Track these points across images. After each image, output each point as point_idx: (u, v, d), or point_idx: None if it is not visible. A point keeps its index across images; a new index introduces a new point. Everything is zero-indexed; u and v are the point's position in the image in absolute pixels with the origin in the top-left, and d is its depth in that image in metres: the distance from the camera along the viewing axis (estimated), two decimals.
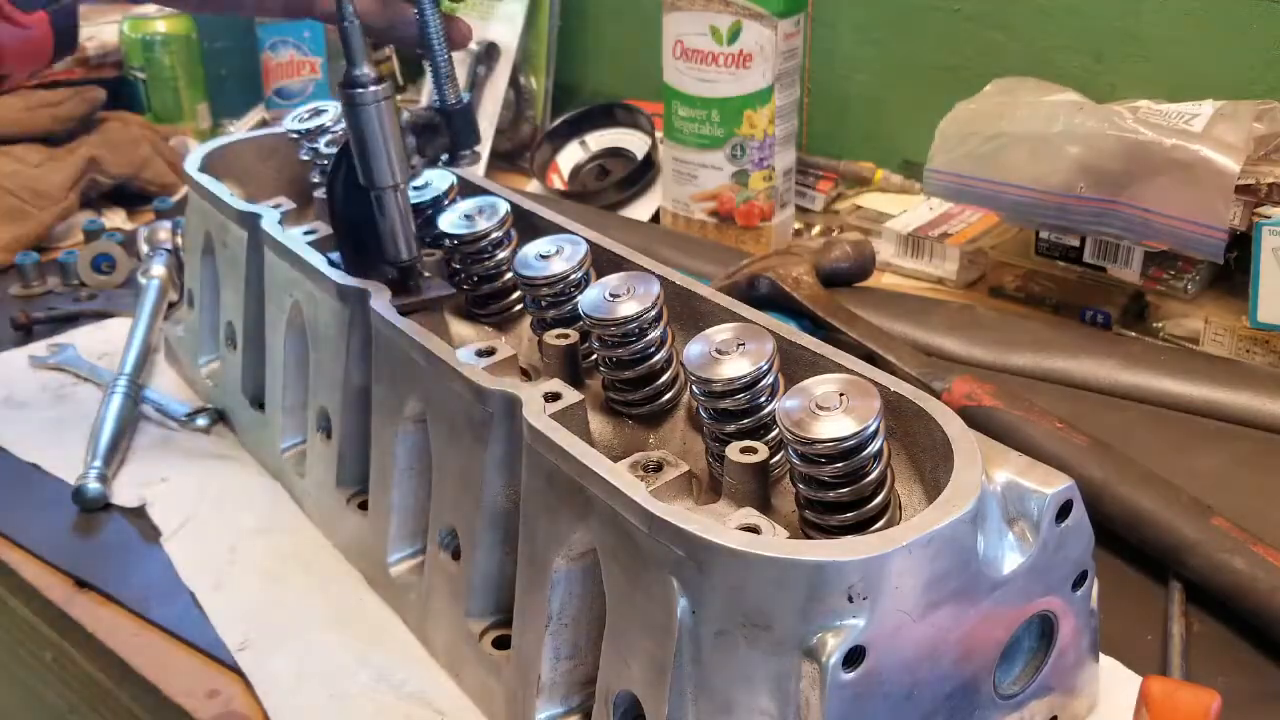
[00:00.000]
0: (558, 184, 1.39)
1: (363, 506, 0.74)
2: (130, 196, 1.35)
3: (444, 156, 0.79)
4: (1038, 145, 1.01)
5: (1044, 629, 0.55)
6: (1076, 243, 1.05)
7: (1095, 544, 0.55)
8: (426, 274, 0.78)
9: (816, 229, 1.23)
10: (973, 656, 0.51)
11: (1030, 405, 0.77)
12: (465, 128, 0.78)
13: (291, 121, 0.94)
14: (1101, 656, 0.59)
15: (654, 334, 0.64)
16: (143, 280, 1.06)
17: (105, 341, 1.04)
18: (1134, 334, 1.00)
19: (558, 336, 0.68)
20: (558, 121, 1.44)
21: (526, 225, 0.79)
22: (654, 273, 0.69)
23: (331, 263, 0.75)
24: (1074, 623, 0.55)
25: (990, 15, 1.20)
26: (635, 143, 1.39)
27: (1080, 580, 0.54)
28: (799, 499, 0.55)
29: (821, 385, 0.53)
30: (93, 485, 0.81)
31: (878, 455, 0.52)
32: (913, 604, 0.47)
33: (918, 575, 0.47)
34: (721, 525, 0.48)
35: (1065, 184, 0.99)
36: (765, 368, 0.57)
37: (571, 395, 0.60)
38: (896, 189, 1.27)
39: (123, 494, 0.82)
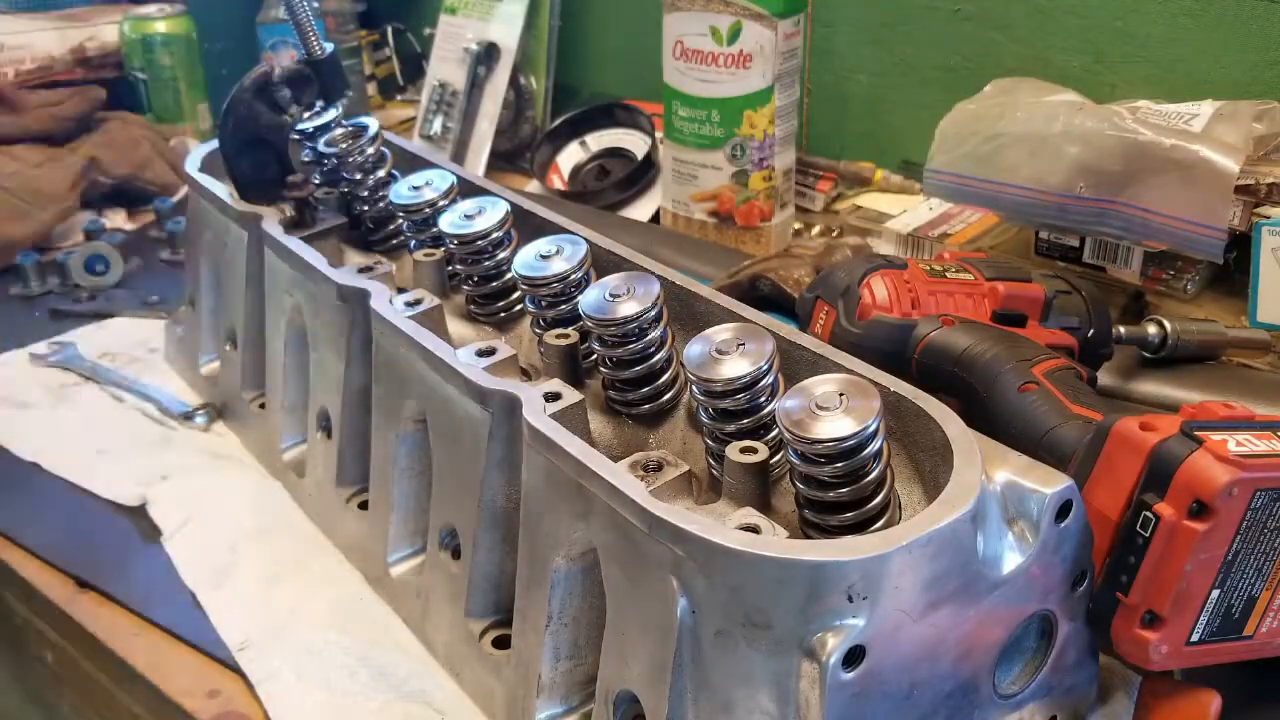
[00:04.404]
0: (558, 184, 1.39)
1: (363, 506, 0.74)
2: (131, 196, 1.35)
3: (319, 103, 0.89)
4: (1037, 145, 1.01)
5: (1043, 629, 0.55)
6: (1076, 243, 1.05)
7: None
8: (320, 205, 0.87)
9: (816, 229, 1.23)
10: (972, 656, 0.51)
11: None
12: (333, 76, 0.88)
13: None
14: (1101, 656, 0.59)
15: (654, 334, 0.64)
16: None
17: (106, 341, 1.05)
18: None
19: (558, 336, 0.68)
20: (558, 121, 1.44)
21: (526, 225, 0.79)
22: (654, 273, 0.69)
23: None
24: (1073, 623, 0.55)
25: (990, 15, 1.20)
26: (635, 143, 1.38)
27: (1080, 580, 0.54)
28: (799, 499, 0.55)
29: (821, 385, 0.53)
30: None
31: (878, 455, 0.52)
32: (912, 604, 0.47)
33: (917, 575, 0.47)
34: (721, 525, 0.48)
35: (1065, 184, 0.99)
36: (765, 368, 0.57)
37: (571, 395, 0.60)
38: (896, 189, 1.27)
39: (123, 494, 0.82)
